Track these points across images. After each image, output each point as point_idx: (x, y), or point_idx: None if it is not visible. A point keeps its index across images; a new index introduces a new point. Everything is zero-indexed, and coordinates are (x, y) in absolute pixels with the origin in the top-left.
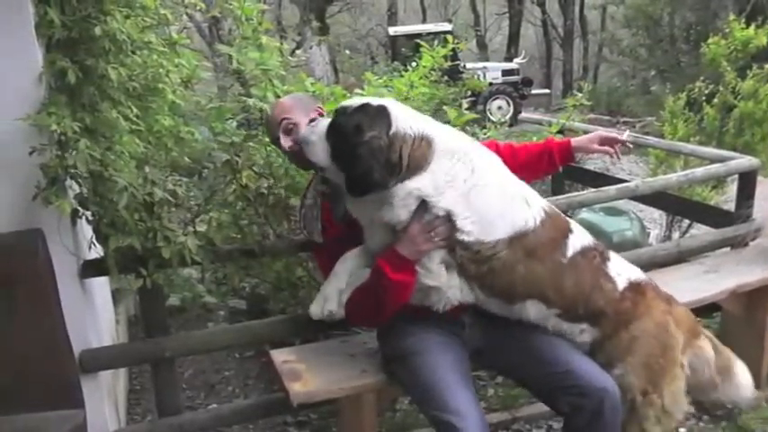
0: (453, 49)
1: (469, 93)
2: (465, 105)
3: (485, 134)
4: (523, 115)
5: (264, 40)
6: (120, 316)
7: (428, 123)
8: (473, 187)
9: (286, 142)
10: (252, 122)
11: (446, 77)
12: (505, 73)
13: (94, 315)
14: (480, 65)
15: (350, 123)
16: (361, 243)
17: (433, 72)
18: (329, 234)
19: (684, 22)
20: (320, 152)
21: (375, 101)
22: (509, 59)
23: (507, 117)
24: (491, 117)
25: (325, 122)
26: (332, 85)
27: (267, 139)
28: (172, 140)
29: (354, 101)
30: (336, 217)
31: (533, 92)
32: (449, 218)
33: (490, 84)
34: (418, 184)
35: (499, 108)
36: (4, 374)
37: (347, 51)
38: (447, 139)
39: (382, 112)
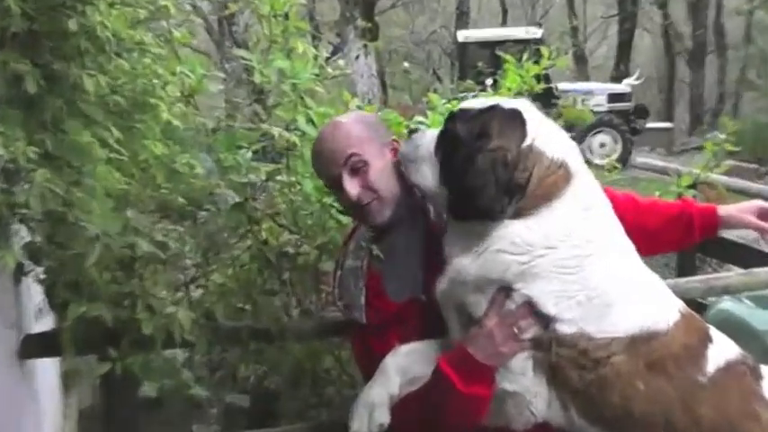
0: (546, 69)
1: (565, 123)
2: None
3: None
4: (637, 159)
5: (299, 45)
6: (70, 409)
7: (572, 149)
8: (590, 256)
9: (353, 187)
10: (272, 154)
11: (539, 102)
12: (612, 98)
13: (35, 407)
14: (580, 86)
15: (471, 130)
16: (421, 332)
17: (519, 95)
18: (376, 314)
19: None
20: (427, 172)
21: (507, 102)
22: (617, 80)
23: (613, 157)
24: (591, 157)
25: (431, 133)
26: (381, 108)
27: (293, 179)
28: (163, 174)
29: (477, 102)
30: (391, 292)
31: (650, 125)
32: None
33: (591, 112)
34: (526, 229)
35: (602, 146)
36: None
37: (405, 64)
38: (589, 180)
39: (516, 118)
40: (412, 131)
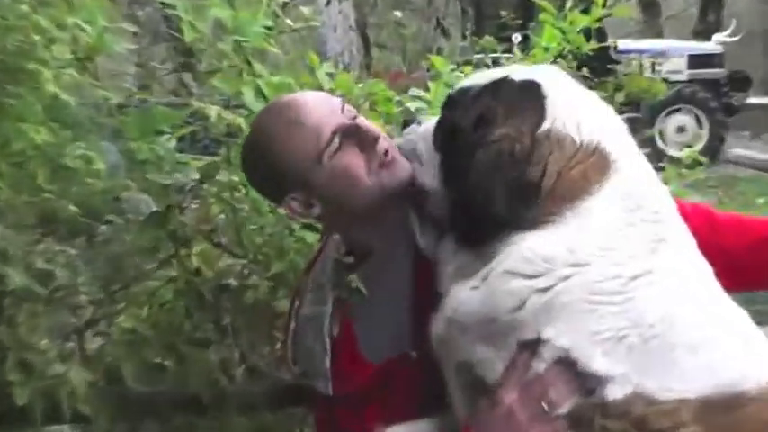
0: (601, 20)
1: (626, 98)
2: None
3: None
4: (733, 150)
5: None
6: None
7: (615, 129)
8: (639, 278)
9: (373, 127)
10: (206, 143)
11: (585, 70)
12: (696, 62)
13: None
14: (649, 45)
15: (470, 116)
16: (411, 404)
17: (561, 59)
18: (347, 380)
19: None
20: (425, 169)
21: (522, 72)
22: (703, 36)
23: (697, 148)
24: (664, 147)
25: (431, 124)
26: (363, 76)
27: (236, 178)
28: (47, 171)
29: (482, 76)
30: (368, 348)
31: (751, 101)
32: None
33: (666, 82)
34: (542, 241)
35: (680, 131)
36: None
37: (397, 13)
38: (638, 170)
39: (530, 95)
40: (407, 124)
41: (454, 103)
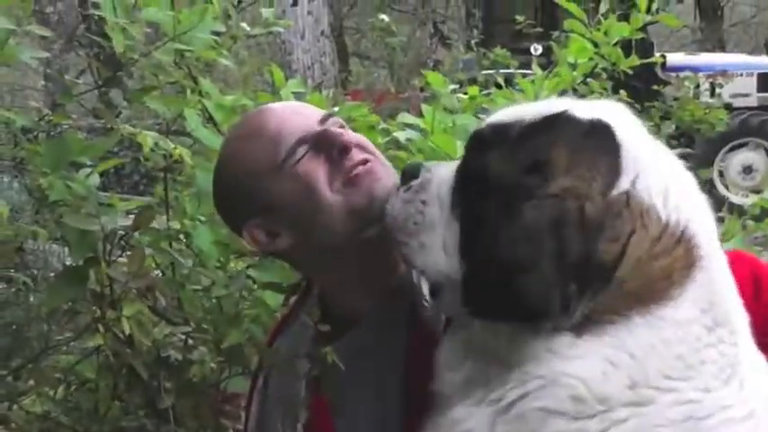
0: (644, 27)
1: (676, 129)
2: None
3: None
4: None
5: None
6: None
7: (698, 197)
8: (716, 413)
9: (348, 137)
10: (138, 178)
11: (623, 92)
12: (767, 83)
13: None
14: (707, 61)
15: (514, 159)
16: None
17: (592, 79)
18: None
19: None
20: (435, 244)
21: (582, 107)
22: None
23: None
24: (725, 192)
25: (444, 170)
26: (339, 96)
27: (177, 225)
28: None
29: (523, 110)
30: None
31: None
32: None
33: (729, 109)
34: (600, 366)
35: (747, 171)
36: None
37: (383, 17)
38: (720, 264)
39: (601, 137)
40: (408, 174)
41: (486, 142)
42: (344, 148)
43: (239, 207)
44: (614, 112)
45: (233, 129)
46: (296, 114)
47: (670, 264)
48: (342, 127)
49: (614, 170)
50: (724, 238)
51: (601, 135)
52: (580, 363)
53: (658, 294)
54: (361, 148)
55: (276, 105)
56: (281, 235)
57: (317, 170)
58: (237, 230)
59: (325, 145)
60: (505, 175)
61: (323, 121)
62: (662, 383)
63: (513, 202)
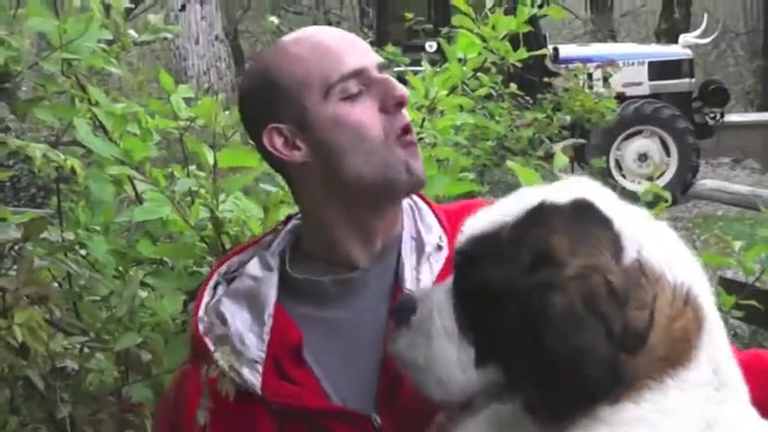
0: (535, 20)
1: (569, 121)
2: (562, 154)
3: None
4: (707, 182)
5: None
6: None
7: (691, 259)
8: None
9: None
10: (35, 190)
11: (519, 84)
12: (659, 71)
13: None
14: (599, 51)
15: (517, 258)
16: None
17: (481, 74)
18: (277, 394)
19: None
20: (452, 368)
21: (552, 192)
22: (667, 37)
23: (665, 181)
24: (623, 179)
25: (438, 292)
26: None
27: (71, 236)
28: None
29: (495, 211)
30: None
31: (731, 119)
32: None
33: (620, 99)
34: None
35: (642, 159)
36: None
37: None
38: (719, 326)
39: (589, 215)
40: (405, 310)
41: (474, 258)
42: (401, 104)
43: (271, 106)
44: (585, 189)
45: (289, 37)
46: (354, 47)
47: (686, 326)
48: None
49: (616, 242)
50: None
51: (588, 213)
52: (624, 429)
53: (682, 357)
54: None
55: (335, 30)
56: (300, 149)
57: (368, 111)
58: (256, 130)
59: (382, 93)
60: (513, 280)
61: (381, 67)
62: None
63: (536, 300)
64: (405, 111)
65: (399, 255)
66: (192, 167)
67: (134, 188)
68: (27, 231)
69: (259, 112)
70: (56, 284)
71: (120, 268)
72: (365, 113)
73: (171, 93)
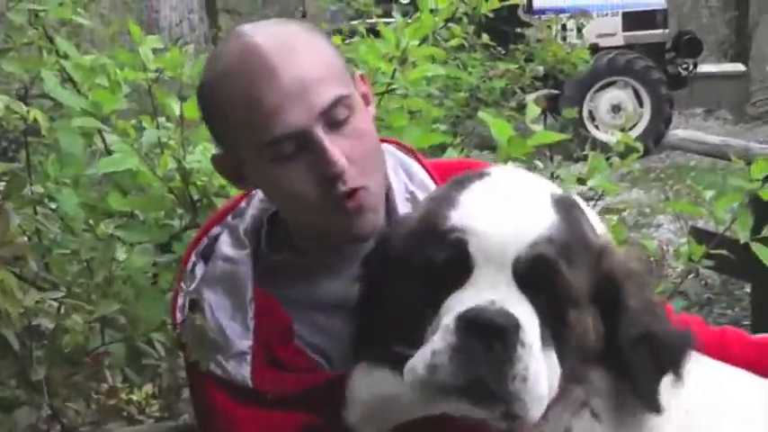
0: None
1: (543, 73)
2: (534, 104)
3: (579, 181)
4: (682, 132)
5: None
6: None
7: None
8: None
9: (338, 153)
10: (6, 143)
11: (488, 34)
12: (633, 22)
13: None
14: (571, 1)
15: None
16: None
17: (453, 24)
18: (271, 383)
19: None
20: (543, 381)
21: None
22: None
23: (636, 131)
24: (597, 130)
25: (516, 306)
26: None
27: (41, 189)
28: None
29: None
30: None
31: (704, 70)
32: None
33: (594, 50)
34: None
35: (615, 110)
36: None
37: None
38: None
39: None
40: (486, 329)
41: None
42: (336, 176)
43: (219, 135)
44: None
45: (241, 47)
46: (300, 98)
47: None
48: (364, 96)
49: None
50: (589, 174)
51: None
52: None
53: None
54: (356, 161)
55: (299, 51)
56: (247, 181)
57: (303, 177)
58: (213, 135)
59: (318, 164)
60: (577, 281)
61: (325, 112)
62: None
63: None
64: (352, 174)
65: (390, 215)
66: (162, 119)
67: (103, 141)
68: (8, 188)
69: (211, 131)
70: (25, 239)
71: (91, 221)
72: (298, 180)
73: (139, 43)
